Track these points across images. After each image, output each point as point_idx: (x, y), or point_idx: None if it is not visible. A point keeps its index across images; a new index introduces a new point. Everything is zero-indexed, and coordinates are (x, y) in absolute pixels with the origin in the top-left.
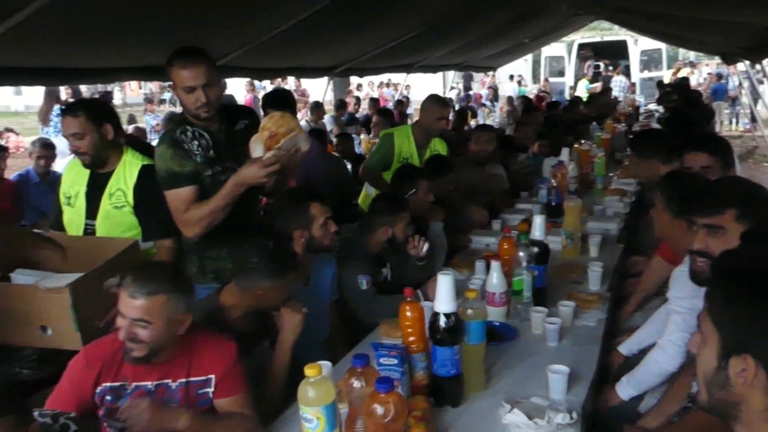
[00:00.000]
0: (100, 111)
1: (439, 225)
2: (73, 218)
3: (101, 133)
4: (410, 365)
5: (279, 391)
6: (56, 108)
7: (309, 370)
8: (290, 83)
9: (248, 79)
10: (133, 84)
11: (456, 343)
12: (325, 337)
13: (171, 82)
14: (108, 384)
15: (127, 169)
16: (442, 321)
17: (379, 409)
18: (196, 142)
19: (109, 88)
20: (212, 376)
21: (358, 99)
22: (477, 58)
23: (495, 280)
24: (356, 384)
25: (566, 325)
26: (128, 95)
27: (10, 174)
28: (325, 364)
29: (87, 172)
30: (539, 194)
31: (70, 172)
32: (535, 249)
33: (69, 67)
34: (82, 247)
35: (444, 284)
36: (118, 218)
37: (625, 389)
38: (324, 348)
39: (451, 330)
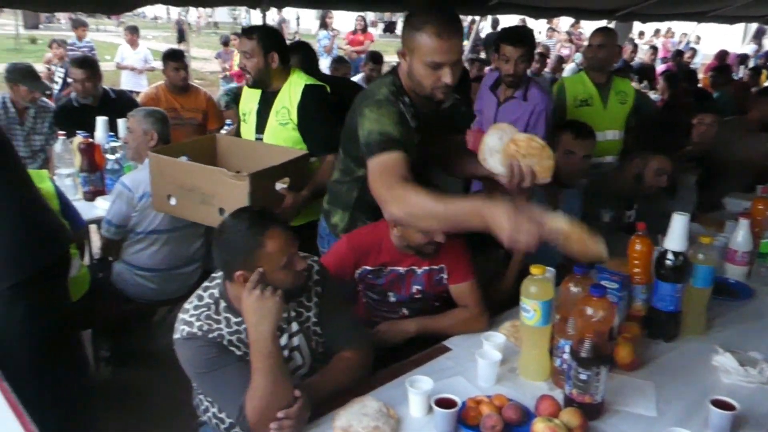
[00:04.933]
0: (272, 39)
1: (691, 179)
2: (247, 133)
3: (267, 60)
4: (630, 295)
5: (506, 291)
6: None
7: (535, 269)
8: (564, 24)
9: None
10: None
11: (679, 281)
12: (556, 263)
13: (404, 46)
14: (368, 267)
15: (292, 89)
16: (669, 258)
17: (589, 310)
18: (411, 109)
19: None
20: (444, 265)
21: (635, 46)
22: None
23: (740, 237)
24: (573, 289)
25: None
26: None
27: None
28: (549, 269)
29: (259, 91)
30: None
31: (247, 92)
32: None
33: None
34: (256, 149)
35: (677, 223)
36: (282, 134)
37: None
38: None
39: (676, 268)
